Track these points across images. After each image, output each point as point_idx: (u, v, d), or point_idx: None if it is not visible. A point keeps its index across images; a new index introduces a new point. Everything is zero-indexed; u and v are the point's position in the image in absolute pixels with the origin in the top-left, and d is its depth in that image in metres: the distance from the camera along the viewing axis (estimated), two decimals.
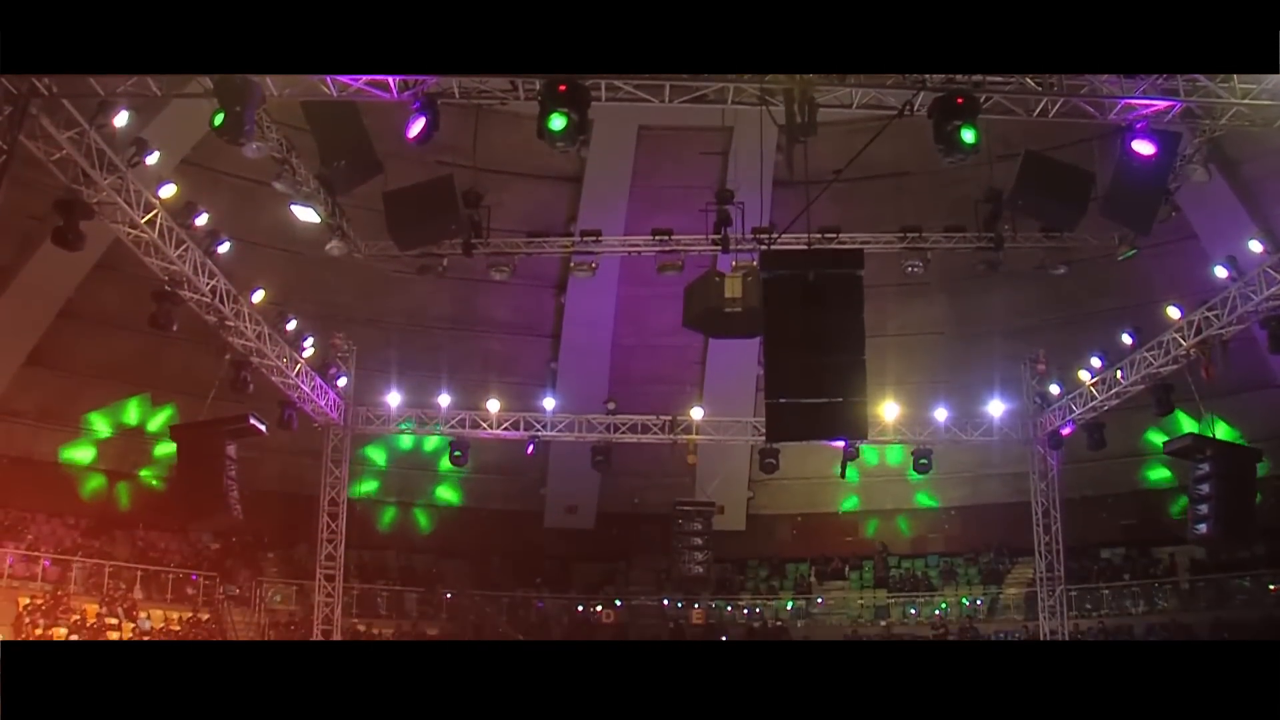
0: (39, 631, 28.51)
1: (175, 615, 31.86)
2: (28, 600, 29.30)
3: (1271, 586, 31.99)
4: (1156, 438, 31.37)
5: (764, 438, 26.68)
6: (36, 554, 30.90)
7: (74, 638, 28.91)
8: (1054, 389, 26.97)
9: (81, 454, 34.66)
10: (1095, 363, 25.06)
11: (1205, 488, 20.21)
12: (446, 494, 39.36)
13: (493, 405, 27.50)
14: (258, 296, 22.06)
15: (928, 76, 15.34)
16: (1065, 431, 26.53)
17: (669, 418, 27.88)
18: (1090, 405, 25.14)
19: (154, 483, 35.11)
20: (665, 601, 38.14)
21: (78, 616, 29.86)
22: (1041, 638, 26.96)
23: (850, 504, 40.00)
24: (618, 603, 38.18)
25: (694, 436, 28.10)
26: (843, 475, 28.51)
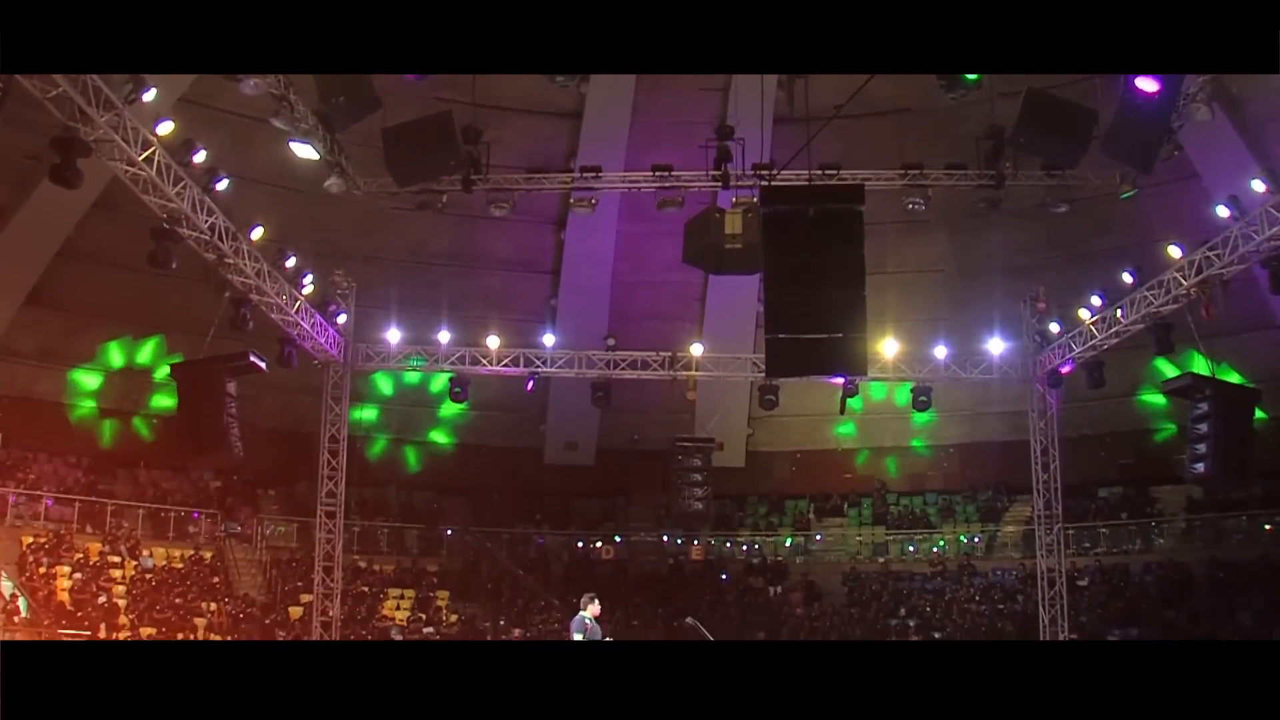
0: (42, 570, 28.71)
1: (177, 553, 32.11)
2: (31, 539, 29.50)
3: (1267, 526, 32.17)
4: (1155, 377, 31.49)
5: (764, 374, 26.65)
6: (39, 493, 31.08)
7: (77, 576, 29.12)
8: (1054, 327, 26.92)
9: (82, 393, 34.74)
10: (1095, 301, 25.01)
11: (1203, 427, 20.24)
12: (446, 431, 39.48)
13: (492, 341, 27.47)
14: (257, 234, 21.99)
15: None
16: (1065, 370, 26.53)
17: (669, 354, 27.86)
18: (1090, 344, 25.12)
19: (155, 421, 35.22)
20: (665, 537, 38.37)
21: (80, 555, 30.08)
22: (1039, 575, 27.06)
23: (850, 441, 40.11)
24: (617, 539, 38.40)
25: (693, 373, 28.08)
26: (842, 412, 28.60)
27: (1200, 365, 23.46)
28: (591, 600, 16.72)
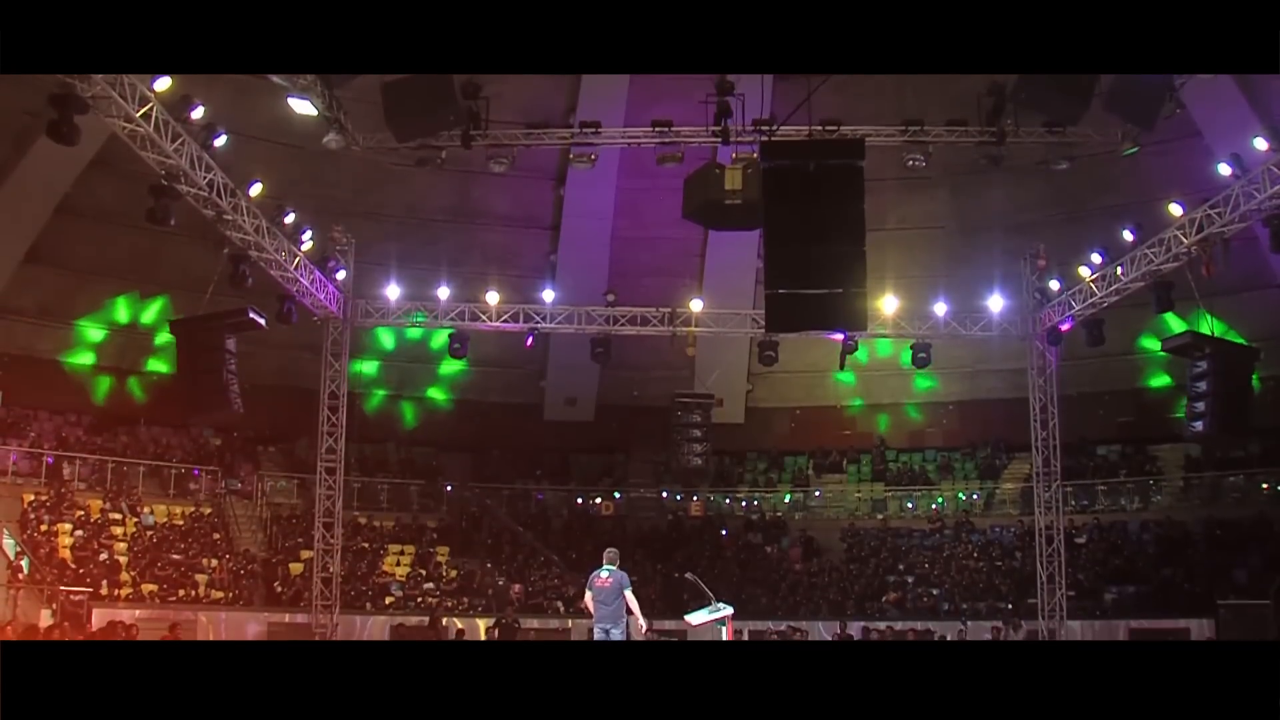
0: (44, 528, 28.80)
1: (178, 510, 32.22)
2: (32, 497, 29.58)
3: (1264, 485, 32.29)
4: (1155, 335, 31.49)
5: (763, 330, 26.64)
6: (40, 451, 31.13)
7: (79, 533, 29.22)
8: (1054, 285, 26.90)
9: (82, 351, 34.79)
10: (1096, 259, 24.97)
11: (1202, 385, 20.25)
12: (446, 387, 39.52)
13: (492, 297, 27.43)
14: (255, 190, 21.92)
15: None
16: (1064, 327, 26.52)
17: (668, 310, 27.81)
18: (1090, 301, 25.09)
19: (154, 378, 35.26)
20: (664, 493, 38.47)
21: (81, 512, 30.17)
22: (1037, 532, 27.14)
23: (849, 398, 40.16)
24: (617, 495, 38.50)
25: (693, 329, 28.05)
26: (841, 368, 28.60)
27: (1201, 325, 23.44)
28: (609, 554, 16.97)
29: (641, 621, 17.06)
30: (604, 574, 16.66)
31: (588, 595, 16.72)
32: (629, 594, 16.71)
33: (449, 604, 31.49)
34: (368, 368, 37.89)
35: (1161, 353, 30.18)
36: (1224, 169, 20.39)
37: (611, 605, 16.60)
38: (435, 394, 39.75)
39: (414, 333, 36.30)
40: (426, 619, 29.28)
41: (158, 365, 35.09)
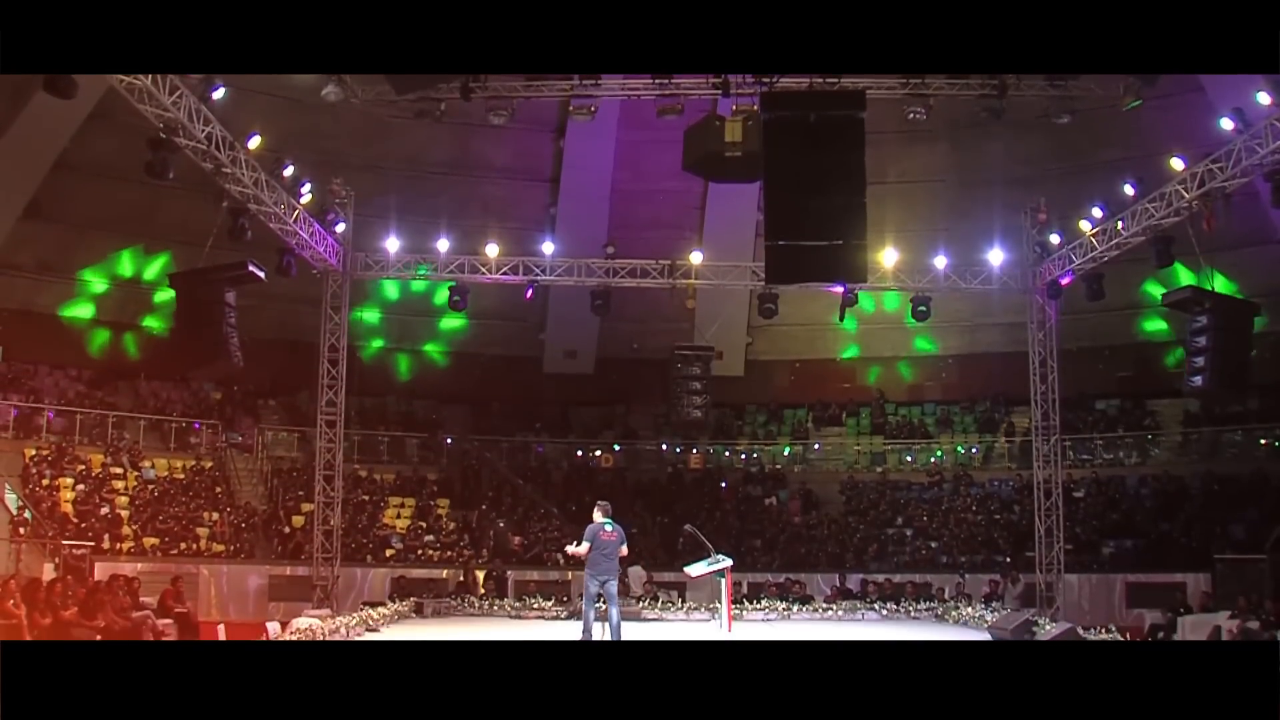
0: (45, 482, 28.91)
1: (179, 464, 32.37)
2: (34, 451, 29.68)
3: (1262, 440, 32.41)
4: (1155, 290, 31.50)
5: (763, 282, 26.59)
6: (40, 406, 31.21)
7: (80, 487, 29.33)
8: (1054, 239, 26.81)
9: (81, 306, 34.89)
10: (1096, 213, 24.84)
11: (1202, 339, 20.21)
12: (446, 340, 39.58)
13: (491, 250, 27.34)
14: (254, 143, 21.77)
15: None
16: (1064, 281, 26.42)
17: (668, 262, 27.71)
18: (1090, 256, 24.99)
19: (154, 332, 35.32)
20: (664, 446, 38.58)
21: (83, 466, 30.28)
22: (1035, 486, 27.19)
23: (848, 351, 40.23)
24: (616, 447, 38.60)
25: (693, 281, 27.96)
26: (841, 320, 28.56)
27: (1204, 280, 23.39)
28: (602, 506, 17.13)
29: (637, 569, 17.26)
30: (609, 527, 16.83)
31: (584, 546, 16.83)
32: (624, 548, 16.93)
33: (449, 555, 31.65)
34: (369, 315, 37.91)
35: (1161, 308, 30.20)
36: (1226, 123, 20.25)
37: (613, 559, 16.81)
38: (435, 347, 39.82)
39: (417, 285, 36.28)
40: (461, 572, 29.47)
41: (157, 320, 35.16)
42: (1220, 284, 26.35)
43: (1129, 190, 23.33)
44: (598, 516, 17.20)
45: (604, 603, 16.80)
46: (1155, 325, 36.05)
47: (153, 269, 34.70)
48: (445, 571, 30.14)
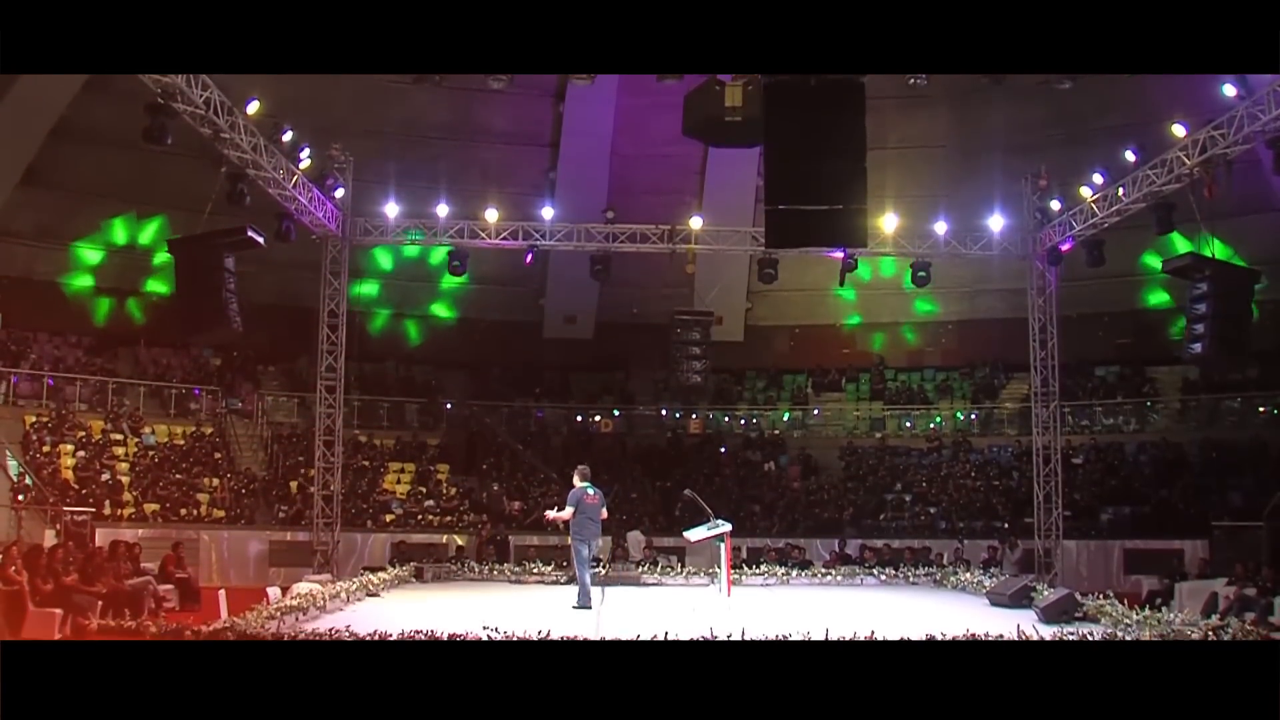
0: (46, 449, 28.96)
1: (179, 430, 32.44)
2: (34, 418, 29.73)
3: (1261, 408, 32.47)
4: (1155, 258, 31.47)
5: (763, 247, 26.55)
6: (40, 373, 31.24)
7: (81, 454, 29.38)
8: (1055, 205, 26.73)
9: (80, 273, 34.87)
10: (1097, 179, 24.78)
11: (1202, 307, 20.18)
12: (445, 305, 39.58)
13: (491, 215, 27.27)
14: (253, 108, 21.68)
15: None
16: (1064, 247, 26.36)
17: (668, 227, 27.64)
18: (1090, 222, 24.93)
19: (153, 299, 35.32)
20: (663, 411, 38.63)
21: (83, 433, 30.33)
22: (1034, 452, 27.22)
23: (848, 316, 40.24)
24: (616, 412, 38.64)
25: (693, 246, 27.89)
26: (841, 286, 28.52)
27: (1204, 247, 23.32)
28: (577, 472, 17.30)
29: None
30: (590, 491, 16.99)
31: (569, 510, 16.98)
32: (604, 511, 17.16)
33: (448, 520, 31.73)
34: (368, 289, 37.98)
35: (1161, 274, 30.16)
36: (1228, 90, 20.17)
37: (597, 521, 17.01)
38: (434, 312, 39.83)
39: (411, 251, 36.30)
40: (475, 539, 29.58)
41: (156, 286, 35.17)
42: (1220, 251, 26.29)
43: (1130, 156, 23.25)
44: (578, 481, 17.35)
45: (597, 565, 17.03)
46: (1156, 293, 36.05)
47: (152, 235, 34.69)
48: (445, 536, 30.24)
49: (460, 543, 29.42)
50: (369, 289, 38.42)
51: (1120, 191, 23.64)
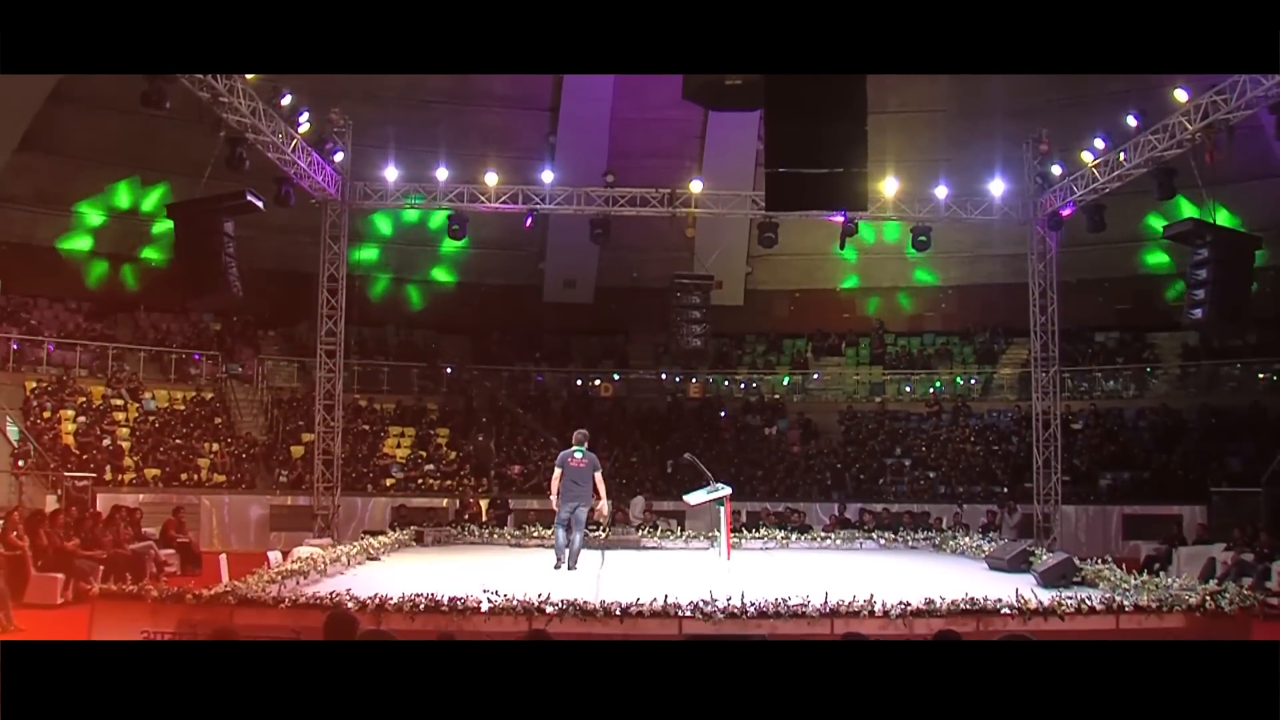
0: (47, 414, 29.01)
1: (179, 395, 32.51)
2: (34, 384, 29.77)
3: (1260, 374, 32.50)
4: (1156, 223, 31.43)
5: (763, 211, 26.52)
6: (40, 338, 31.27)
7: (81, 419, 29.43)
8: (1055, 170, 26.64)
9: (79, 238, 34.87)
10: (1098, 144, 24.71)
11: (1203, 273, 20.13)
12: (445, 269, 39.55)
13: (490, 179, 27.20)
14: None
15: None
16: (1065, 212, 26.30)
17: (668, 191, 27.58)
18: (1091, 187, 24.87)
19: (153, 264, 35.32)
20: (663, 375, 38.66)
21: (84, 399, 30.38)
22: (1034, 417, 27.25)
23: (848, 281, 40.21)
24: (616, 376, 38.65)
25: (693, 210, 27.84)
26: (841, 249, 28.46)
27: (1205, 213, 23.27)
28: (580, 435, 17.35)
29: (605, 504, 17.47)
30: (578, 454, 17.07)
31: (557, 473, 17.06)
32: (598, 476, 17.15)
33: (449, 484, 31.82)
34: (367, 254, 37.98)
35: (1162, 240, 30.12)
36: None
37: (583, 485, 17.05)
38: (434, 277, 39.81)
39: (411, 216, 36.25)
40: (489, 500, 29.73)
41: (155, 251, 35.17)
42: (1222, 217, 26.23)
43: (1131, 122, 23.17)
44: (574, 443, 17.41)
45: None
46: (1156, 258, 36.03)
47: (151, 200, 34.64)
48: (446, 500, 30.33)
49: (474, 502, 29.51)
50: (368, 255, 38.43)
51: (1121, 156, 23.58)
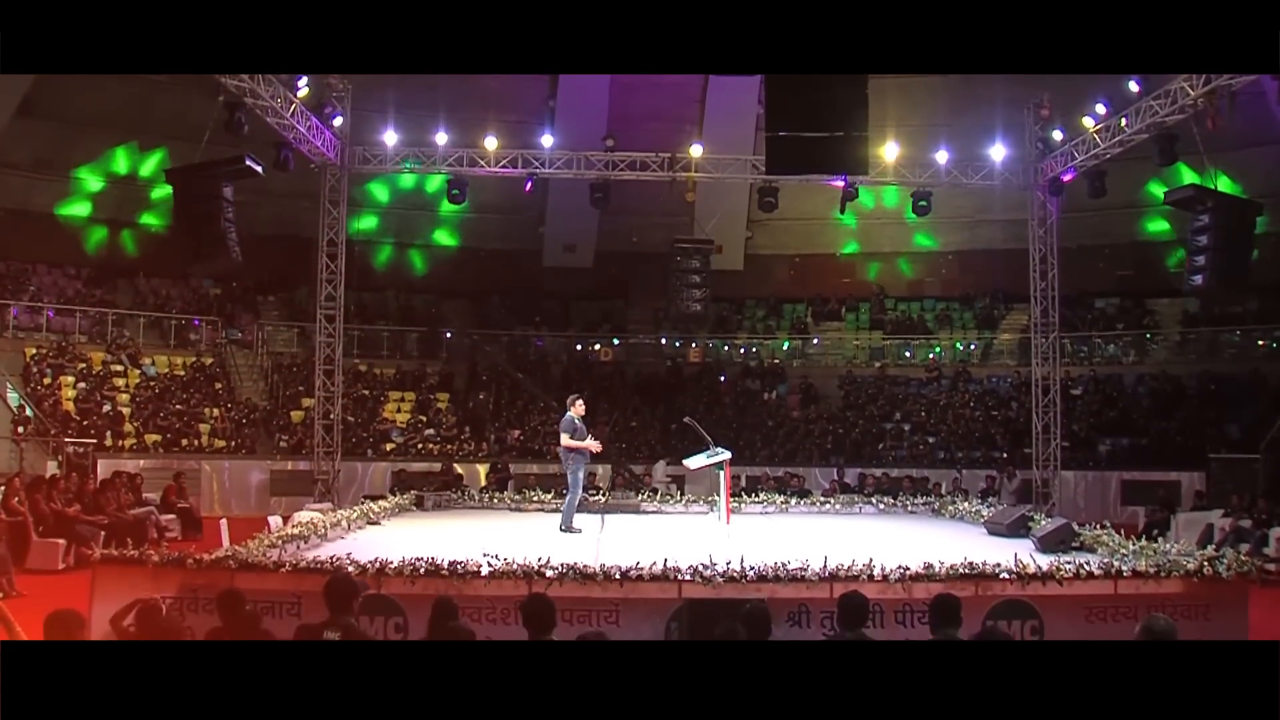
0: (47, 380, 29.04)
1: (179, 360, 32.54)
2: (35, 350, 29.79)
3: (1260, 341, 32.52)
4: (1157, 189, 31.36)
5: (763, 175, 26.48)
6: (40, 305, 31.27)
7: (81, 385, 29.46)
8: (1057, 135, 26.56)
9: (78, 204, 34.84)
10: (1100, 109, 24.63)
11: (1203, 239, 20.08)
12: (445, 234, 39.51)
13: (490, 142, 27.13)
14: None
15: None
16: (1066, 177, 26.25)
17: (668, 155, 27.51)
18: (1093, 152, 24.81)
19: (152, 229, 35.28)
20: (663, 339, 38.67)
21: (84, 364, 30.40)
22: (1033, 383, 27.26)
23: (848, 246, 40.17)
24: (615, 341, 38.66)
25: (693, 174, 27.79)
26: (842, 212, 28.39)
27: (1192, 177, 23.21)
28: (574, 401, 17.31)
29: (594, 444, 17.51)
30: (579, 420, 17.17)
31: (567, 437, 17.11)
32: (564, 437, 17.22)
33: (448, 448, 31.87)
34: (367, 222, 37.96)
35: (1163, 207, 30.05)
36: (1131, 86, 20.09)
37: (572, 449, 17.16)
38: (434, 241, 39.78)
39: (410, 181, 36.18)
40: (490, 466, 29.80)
41: (154, 217, 35.13)
42: (1223, 183, 26.15)
43: (1133, 87, 23.09)
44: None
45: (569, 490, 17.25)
46: (1157, 225, 35.99)
47: (149, 166, 34.57)
48: (444, 465, 30.36)
49: (459, 470, 29.54)
50: (368, 222, 38.39)
51: (1123, 122, 23.50)
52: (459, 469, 29.73)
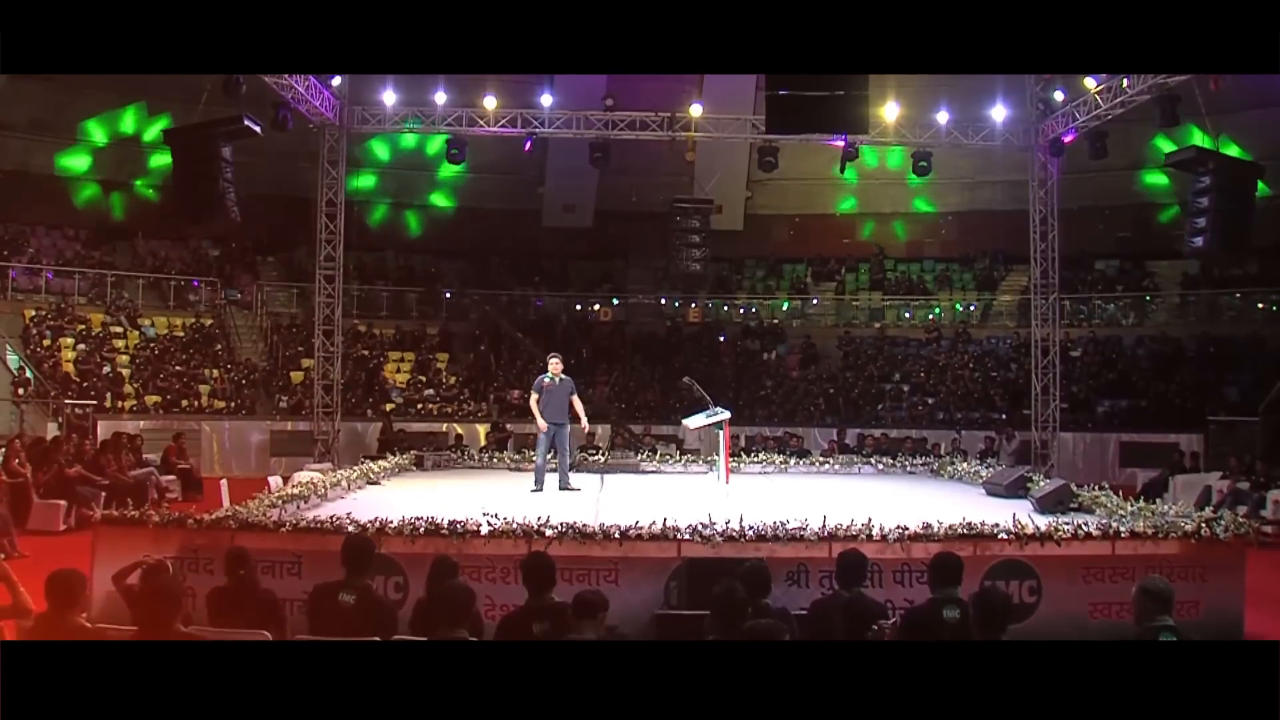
0: (47, 342, 29.06)
1: (179, 321, 32.55)
2: (34, 312, 29.81)
3: (1260, 304, 32.52)
4: (1165, 145, 31.23)
5: (763, 134, 26.41)
6: (39, 266, 31.26)
7: (81, 347, 29.48)
8: (1058, 95, 26.45)
9: (77, 164, 34.77)
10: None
11: (1204, 200, 20.02)
12: (444, 194, 39.43)
13: (490, 102, 27.04)
14: None
15: None
16: (1067, 138, 26.16)
17: (668, 114, 27.43)
18: (1094, 113, 24.72)
19: (150, 190, 35.21)
20: (662, 299, 38.67)
21: (83, 326, 30.41)
22: (1033, 344, 27.26)
23: (848, 205, 40.09)
24: (615, 301, 38.67)
25: (692, 134, 27.73)
26: (842, 171, 28.31)
27: (1199, 138, 23.09)
28: (550, 359, 17.49)
29: (585, 423, 17.65)
30: (546, 379, 17.28)
31: (534, 398, 17.26)
32: (575, 399, 17.37)
33: (449, 410, 31.92)
34: (365, 181, 37.85)
35: (1164, 168, 29.95)
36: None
37: (561, 408, 17.26)
38: (433, 201, 39.70)
39: (409, 141, 36.06)
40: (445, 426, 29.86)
41: (153, 178, 35.03)
42: (1230, 149, 26.05)
43: None
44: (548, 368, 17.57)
45: (554, 453, 17.39)
46: (1154, 178, 35.88)
47: (147, 126, 34.48)
48: (445, 425, 30.42)
49: (459, 431, 29.59)
50: (366, 181, 38.30)
51: (1125, 83, 23.38)
52: (459, 429, 29.81)
